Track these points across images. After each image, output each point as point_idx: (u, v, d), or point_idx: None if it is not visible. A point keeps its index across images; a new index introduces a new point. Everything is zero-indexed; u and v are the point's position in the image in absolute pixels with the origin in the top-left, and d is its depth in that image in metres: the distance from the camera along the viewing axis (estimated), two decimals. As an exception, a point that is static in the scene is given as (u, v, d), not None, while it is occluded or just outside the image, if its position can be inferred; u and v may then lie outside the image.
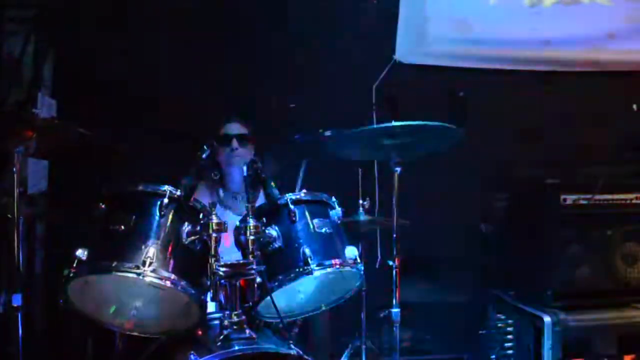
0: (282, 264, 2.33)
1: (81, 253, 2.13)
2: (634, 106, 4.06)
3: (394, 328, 2.73)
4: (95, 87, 3.62)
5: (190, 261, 2.24)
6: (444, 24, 4.06)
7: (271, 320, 2.46)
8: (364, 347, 3.26)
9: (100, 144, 2.44)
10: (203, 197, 2.98)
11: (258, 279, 2.26)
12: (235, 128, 3.09)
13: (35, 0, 3.66)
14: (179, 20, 3.72)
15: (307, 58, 3.85)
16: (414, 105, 3.87)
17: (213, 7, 3.75)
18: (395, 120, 2.80)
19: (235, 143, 3.04)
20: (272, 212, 2.40)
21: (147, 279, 2.11)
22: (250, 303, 2.32)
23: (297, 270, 2.30)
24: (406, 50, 4.00)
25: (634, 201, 3.48)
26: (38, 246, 3.66)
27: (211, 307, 2.47)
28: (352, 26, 3.90)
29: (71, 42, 3.68)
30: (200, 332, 2.36)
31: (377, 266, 3.62)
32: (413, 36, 4.02)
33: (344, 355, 3.28)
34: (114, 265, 2.11)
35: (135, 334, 2.37)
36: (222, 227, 2.19)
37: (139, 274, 2.10)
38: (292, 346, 2.24)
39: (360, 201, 3.21)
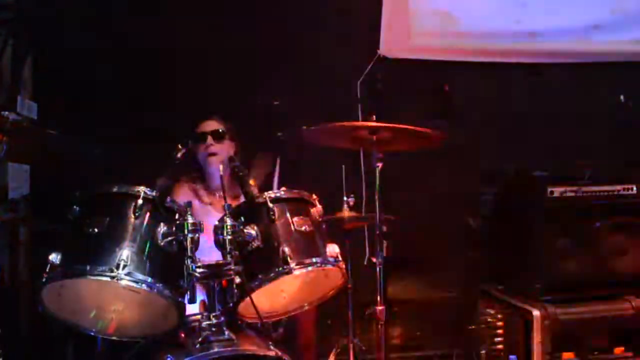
0: (262, 263, 2.29)
1: (54, 257, 2.10)
2: (621, 97, 4.04)
3: (379, 325, 2.70)
4: (75, 88, 3.59)
5: (167, 263, 2.19)
6: (428, 17, 4.04)
7: (254, 321, 2.42)
8: (351, 345, 3.23)
9: (74, 146, 2.40)
10: (184, 196, 2.94)
11: (237, 280, 2.23)
12: (211, 125, 3.06)
13: (13, 1, 3.62)
14: (160, 20, 3.68)
15: (291, 53, 3.82)
16: (399, 100, 3.86)
17: (194, 4, 3.72)
18: (381, 116, 2.79)
19: (210, 139, 3.01)
20: (251, 211, 2.36)
21: (122, 282, 2.08)
22: (231, 304, 2.29)
23: (277, 269, 2.26)
24: (391, 45, 3.98)
25: (621, 192, 3.45)
26: (22, 251, 3.63)
27: (194, 308, 2.44)
28: (336, 21, 3.88)
29: (51, 44, 3.64)
30: (180, 335, 2.32)
31: (365, 263, 3.61)
32: (397, 30, 3.99)
33: (331, 354, 3.25)
34: (87, 268, 2.07)
35: (115, 338, 2.34)
36: (198, 227, 2.16)
37: (113, 277, 2.06)
38: (272, 347, 2.21)
39: (345, 198, 3.18)
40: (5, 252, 3.43)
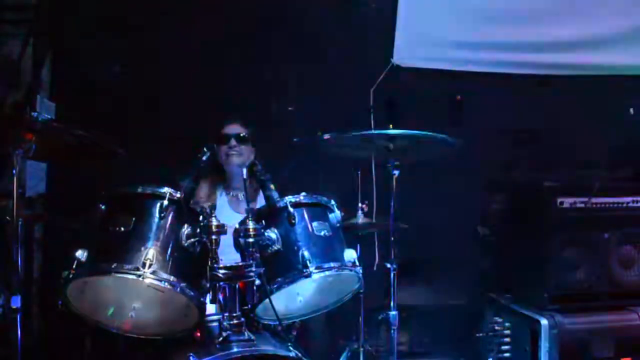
0: (281, 266, 2.33)
1: (81, 254, 2.14)
2: (631, 110, 4.08)
3: (392, 331, 2.74)
4: (94, 89, 3.63)
5: (190, 263, 2.24)
6: (441, 27, 4.07)
7: (270, 323, 2.46)
8: (361, 349, 3.26)
9: (99, 146, 2.44)
10: (204, 196, 2.99)
11: (257, 282, 2.27)
12: (234, 129, 3.13)
13: (34, 2, 3.66)
14: (179, 23, 3.73)
15: (306, 61, 3.86)
16: (412, 109, 3.90)
17: (213, 10, 3.76)
18: (394, 124, 2.82)
19: (233, 141, 3.09)
20: (272, 215, 2.40)
21: (147, 281, 2.12)
22: (249, 305, 2.33)
23: (296, 273, 2.30)
24: (404, 54, 4.01)
25: (630, 204, 3.50)
26: (36, 248, 3.66)
27: (211, 309, 2.48)
28: (350, 29, 3.92)
29: (70, 44, 3.68)
30: (199, 334, 2.36)
31: (374, 269, 3.63)
32: (411, 39, 4.03)
33: (341, 358, 3.28)
34: (113, 266, 2.12)
35: (134, 335, 2.37)
36: (221, 229, 2.20)
37: (138, 276, 2.10)
38: (291, 348, 2.25)
39: (359, 204, 3.22)
40: (20, 249, 3.45)
